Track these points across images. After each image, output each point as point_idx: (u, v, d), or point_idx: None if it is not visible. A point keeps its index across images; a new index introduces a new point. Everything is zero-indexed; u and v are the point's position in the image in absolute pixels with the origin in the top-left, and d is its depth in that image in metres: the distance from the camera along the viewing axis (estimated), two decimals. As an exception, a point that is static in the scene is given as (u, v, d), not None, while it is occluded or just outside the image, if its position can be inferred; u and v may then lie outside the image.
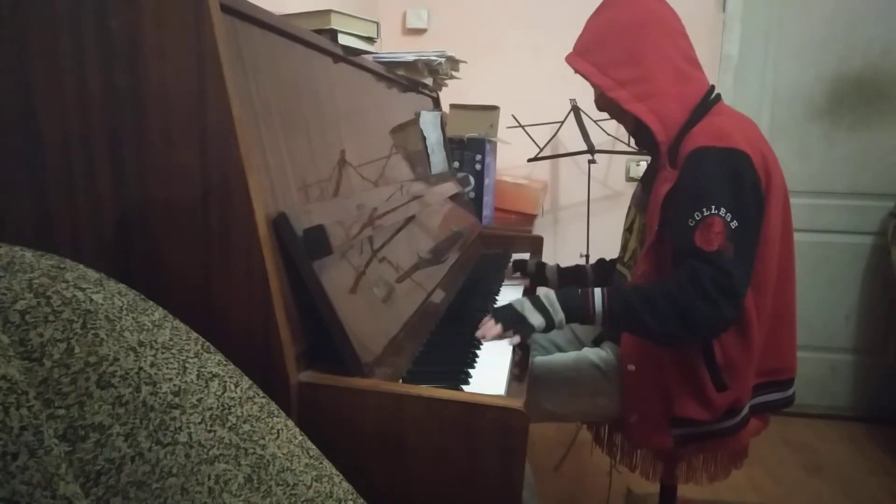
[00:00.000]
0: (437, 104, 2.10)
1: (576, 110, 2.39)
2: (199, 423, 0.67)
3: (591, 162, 2.45)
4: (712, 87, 1.34)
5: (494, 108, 2.37)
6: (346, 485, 0.82)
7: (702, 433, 1.30)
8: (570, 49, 1.38)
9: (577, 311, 1.22)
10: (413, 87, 1.82)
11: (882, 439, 2.58)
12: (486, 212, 2.36)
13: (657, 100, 1.27)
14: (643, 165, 2.71)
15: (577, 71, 1.35)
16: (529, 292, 1.64)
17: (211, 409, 0.69)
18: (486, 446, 0.86)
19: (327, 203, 1.07)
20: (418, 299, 1.26)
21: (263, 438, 0.74)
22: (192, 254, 0.87)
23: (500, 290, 1.64)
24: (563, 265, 1.74)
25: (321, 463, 0.81)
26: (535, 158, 2.43)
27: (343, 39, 1.28)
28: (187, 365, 0.70)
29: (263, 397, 0.80)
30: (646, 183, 1.43)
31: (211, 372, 0.73)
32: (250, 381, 0.79)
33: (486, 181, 2.32)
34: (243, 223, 0.85)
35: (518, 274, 1.77)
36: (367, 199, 1.19)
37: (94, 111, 0.86)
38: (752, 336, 1.24)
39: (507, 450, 0.86)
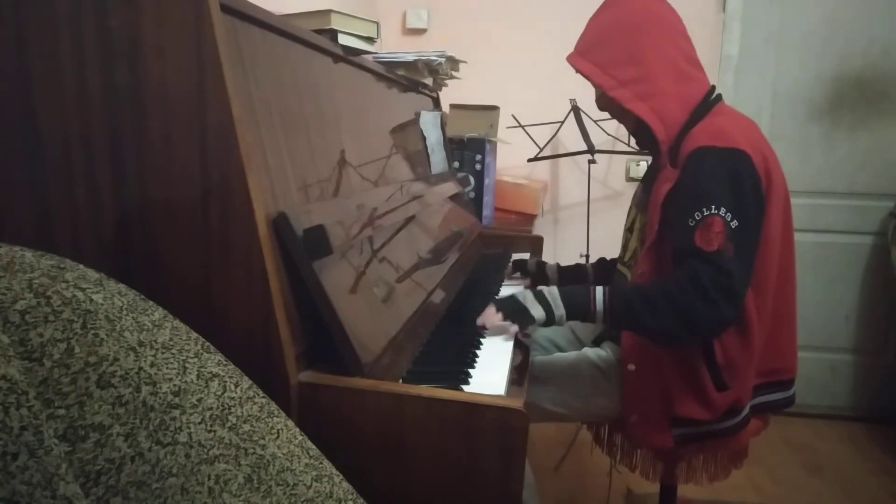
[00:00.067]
0: (437, 104, 2.10)
1: (576, 110, 2.39)
2: (199, 423, 0.67)
3: (591, 162, 2.45)
4: (713, 88, 1.34)
5: (494, 108, 2.37)
6: (346, 485, 0.82)
7: (702, 433, 1.30)
8: (570, 49, 1.38)
9: (578, 308, 1.22)
10: (413, 87, 1.82)
11: (882, 439, 2.58)
12: (486, 212, 2.36)
13: (658, 99, 1.28)
14: (643, 165, 2.71)
15: (578, 70, 1.35)
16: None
17: (211, 409, 0.69)
18: (486, 446, 0.86)
19: (327, 203, 1.07)
20: (418, 299, 1.26)
21: (263, 438, 0.74)
22: (192, 254, 0.87)
23: (500, 290, 1.64)
24: (563, 265, 1.75)
25: (321, 463, 0.81)
26: (535, 158, 2.43)
27: (343, 39, 1.28)
28: (187, 365, 0.70)
29: (263, 397, 0.80)
30: (647, 183, 1.43)
31: (211, 372, 0.73)
32: (250, 381, 0.79)
33: (486, 181, 2.32)
34: (243, 223, 0.85)
35: (518, 274, 1.77)
36: (367, 199, 1.19)
37: (94, 111, 0.86)
38: (753, 336, 1.24)
39: (507, 450, 0.86)
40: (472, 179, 2.23)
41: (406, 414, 0.87)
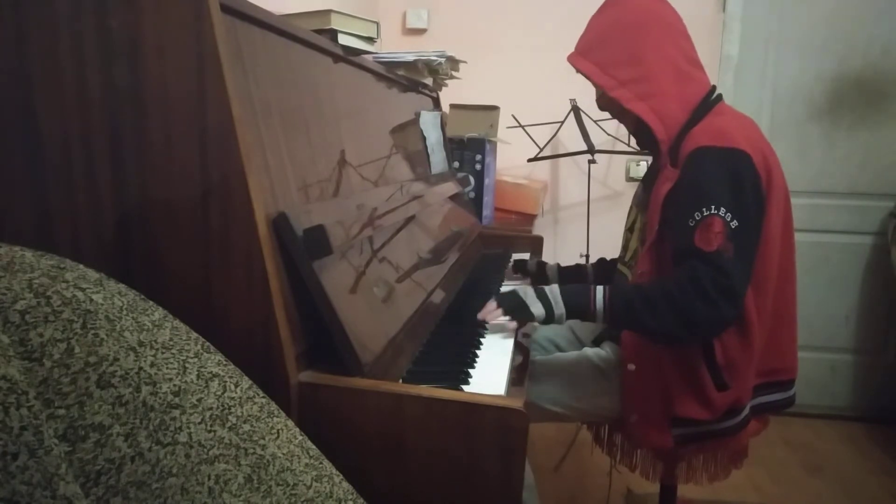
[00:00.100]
0: (437, 104, 2.10)
1: (576, 110, 2.39)
2: (199, 423, 0.67)
3: (591, 162, 2.45)
4: (713, 88, 1.34)
5: (494, 108, 2.37)
6: (346, 485, 0.82)
7: (702, 433, 1.30)
8: (570, 49, 1.38)
9: (578, 307, 1.23)
10: (413, 87, 1.82)
11: (882, 439, 2.58)
12: (486, 212, 2.36)
13: (658, 99, 1.28)
14: (643, 165, 2.71)
15: (578, 70, 1.35)
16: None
17: (211, 409, 0.69)
18: (486, 446, 0.86)
19: (327, 203, 1.07)
20: (418, 299, 1.26)
21: (263, 438, 0.74)
22: (192, 254, 0.87)
23: (500, 290, 1.64)
24: (563, 265, 1.75)
25: (321, 463, 0.81)
26: (535, 158, 2.43)
27: (343, 39, 1.28)
28: (187, 365, 0.70)
29: (263, 397, 0.80)
30: (647, 183, 1.43)
31: (211, 372, 0.73)
32: (250, 381, 0.79)
33: (486, 181, 2.32)
34: (243, 223, 0.85)
35: (518, 274, 1.78)
36: (367, 199, 1.19)
37: (94, 111, 0.86)
38: (753, 335, 1.24)
39: (507, 450, 0.86)
40: (472, 179, 2.23)
41: (406, 414, 0.87)
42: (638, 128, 1.37)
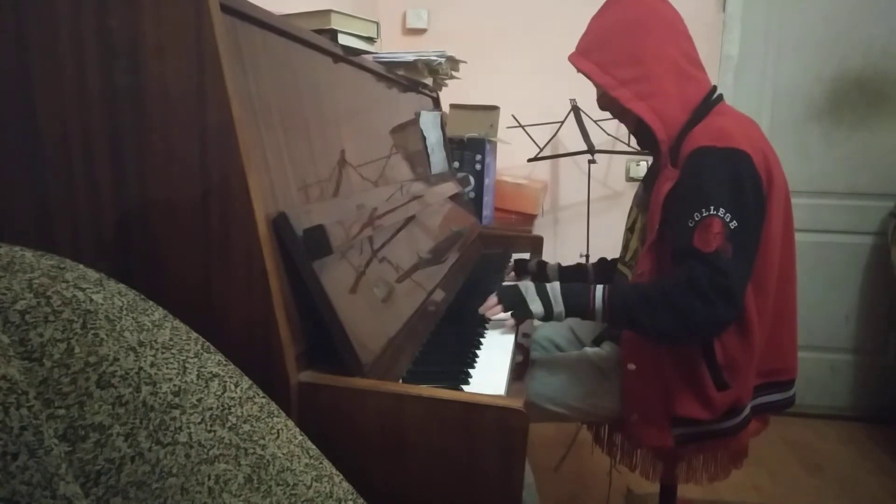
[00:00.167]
0: (437, 104, 2.10)
1: (576, 110, 2.39)
2: (199, 423, 0.67)
3: (591, 162, 2.45)
4: (714, 88, 1.34)
5: (494, 108, 2.37)
6: (346, 485, 0.82)
7: (702, 433, 1.30)
8: (570, 49, 1.38)
9: (578, 306, 1.23)
10: (413, 87, 1.82)
11: (882, 439, 2.58)
12: (486, 212, 2.36)
13: (658, 99, 1.28)
14: (643, 165, 2.71)
15: (579, 70, 1.35)
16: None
17: (211, 409, 0.69)
18: (486, 446, 0.86)
19: (327, 203, 1.07)
20: (418, 299, 1.26)
21: (263, 438, 0.74)
22: (192, 254, 0.87)
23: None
24: (563, 265, 1.75)
25: (321, 463, 0.81)
26: (535, 158, 2.43)
27: (343, 39, 1.28)
28: (187, 365, 0.70)
29: (263, 397, 0.80)
30: (647, 183, 1.43)
31: (211, 372, 0.73)
32: (250, 381, 0.79)
33: (486, 181, 2.32)
34: (243, 223, 0.85)
35: (517, 274, 1.78)
36: (367, 199, 1.19)
37: (94, 111, 0.86)
38: (753, 335, 1.24)
39: (506, 450, 0.86)
40: (472, 179, 2.23)
41: (406, 414, 0.87)
42: (638, 128, 1.37)
